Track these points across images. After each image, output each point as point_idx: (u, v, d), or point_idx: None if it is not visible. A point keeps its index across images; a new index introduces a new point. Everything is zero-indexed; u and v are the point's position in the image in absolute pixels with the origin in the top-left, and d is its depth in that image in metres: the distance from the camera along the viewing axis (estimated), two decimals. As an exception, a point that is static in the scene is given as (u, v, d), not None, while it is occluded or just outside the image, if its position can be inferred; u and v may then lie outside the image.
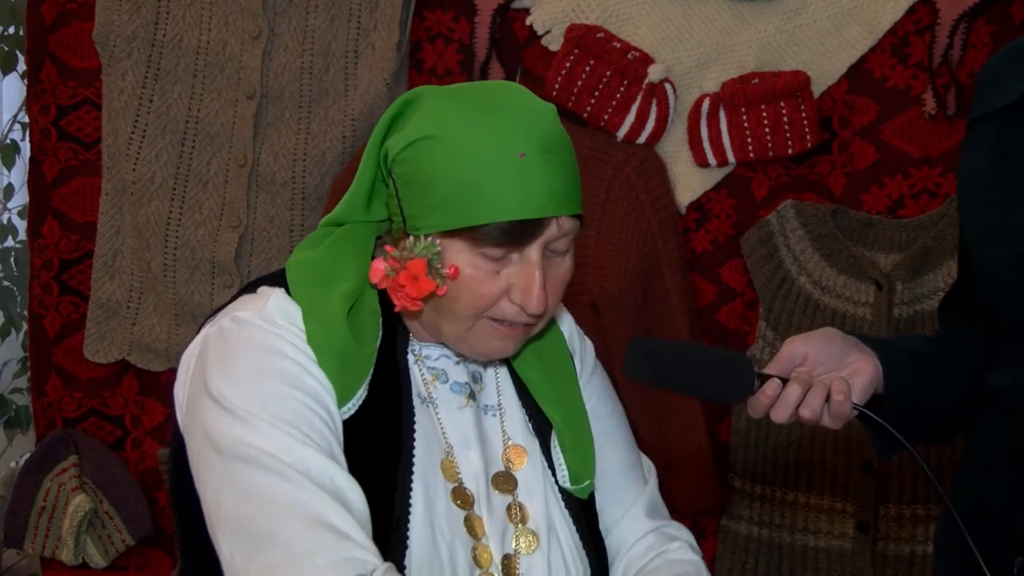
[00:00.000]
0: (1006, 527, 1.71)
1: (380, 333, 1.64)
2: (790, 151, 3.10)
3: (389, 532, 1.54)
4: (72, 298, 3.28)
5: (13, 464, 3.34)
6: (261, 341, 1.56)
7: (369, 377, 1.60)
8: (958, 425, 1.91)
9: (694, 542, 1.82)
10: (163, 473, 3.04)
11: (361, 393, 1.59)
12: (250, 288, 1.66)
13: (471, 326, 1.61)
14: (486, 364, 1.75)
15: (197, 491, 1.55)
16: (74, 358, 3.28)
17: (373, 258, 1.65)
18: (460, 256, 1.56)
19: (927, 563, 2.93)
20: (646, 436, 3.02)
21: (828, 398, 1.68)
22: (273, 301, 1.60)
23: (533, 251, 1.57)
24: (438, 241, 1.56)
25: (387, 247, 1.61)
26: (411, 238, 1.57)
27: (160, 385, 3.23)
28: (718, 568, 3.09)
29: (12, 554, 3.29)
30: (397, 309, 1.60)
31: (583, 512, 1.72)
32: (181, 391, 1.61)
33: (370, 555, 1.44)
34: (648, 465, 1.89)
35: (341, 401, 1.57)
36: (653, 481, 1.86)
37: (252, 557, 1.45)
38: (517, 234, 1.54)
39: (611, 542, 1.78)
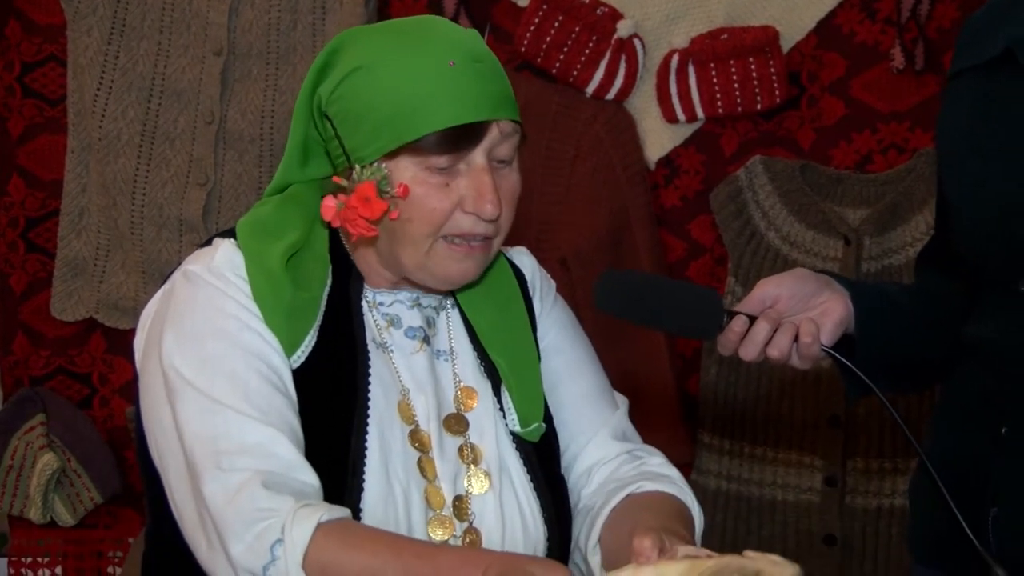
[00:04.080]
0: (981, 478, 1.72)
1: (329, 280, 1.67)
2: (759, 106, 3.12)
3: (345, 475, 1.58)
4: (38, 256, 3.30)
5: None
6: (205, 300, 1.60)
7: (317, 323, 1.63)
8: (930, 375, 1.92)
9: (671, 465, 1.80)
10: (131, 431, 3.04)
11: (310, 340, 1.62)
12: (208, 242, 1.69)
13: (429, 248, 1.62)
14: (439, 309, 1.76)
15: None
16: (41, 316, 3.29)
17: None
18: (407, 174, 1.58)
19: (894, 516, 2.96)
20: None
21: (797, 339, 1.69)
22: (221, 252, 1.63)
23: (478, 156, 1.60)
24: (384, 165, 1.58)
25: (335, 179, 1.63)
26: (357, 168, 1.59)
27: (128, 343, 3.16)
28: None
29: (-20, 512, 3.34)
30: (354, 239, 1.63)
31: (536, 455, 1.72)
32: (139, 349, 1.67)
33: (283, 503, 1.47)
34: (620, 397, 1.88)
35: (289, 350, 1.60)
36: (624, 409, 1.85)
37: (190, 536, 1.55)
38: (458, 140, 1.57)
39: (579, 466, 1.78)
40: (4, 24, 3.22)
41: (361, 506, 1.57)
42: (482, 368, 1.75)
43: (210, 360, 1.55)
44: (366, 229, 1.58)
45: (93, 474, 3.14)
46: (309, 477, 1.52)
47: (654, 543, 1.38)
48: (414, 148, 1.57)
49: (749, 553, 1.31)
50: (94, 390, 3.30)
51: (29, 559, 3.20)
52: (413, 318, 1.72)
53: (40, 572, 3.21)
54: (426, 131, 1.56)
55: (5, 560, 3.23)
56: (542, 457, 1.73)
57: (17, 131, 3.27)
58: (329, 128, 1.63)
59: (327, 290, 1.66)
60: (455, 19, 3.13)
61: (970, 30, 1.85)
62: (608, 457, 1.77)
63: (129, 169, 3.16)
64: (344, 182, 1.60)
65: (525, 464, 1.71)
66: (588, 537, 1.69)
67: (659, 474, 1.74)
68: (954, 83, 1.83)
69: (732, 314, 1.69)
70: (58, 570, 3.21)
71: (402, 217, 1.59)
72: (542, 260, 1.92)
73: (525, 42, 3.13)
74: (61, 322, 3.26)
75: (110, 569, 3.22)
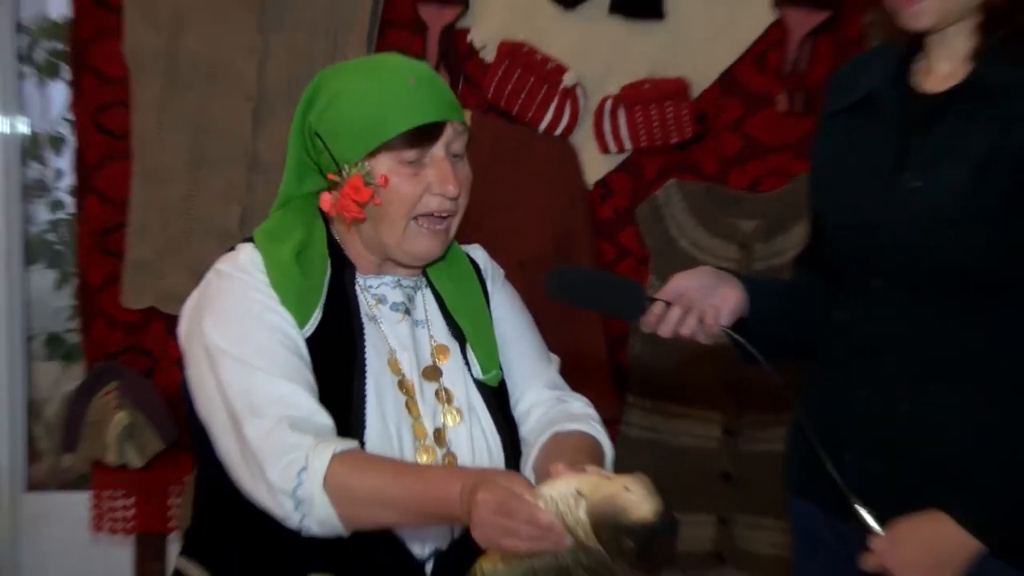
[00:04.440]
0: (840, 429, 1.78)
1: (329, 271, 1.72)
2: (674, 140, 3.14)
3: (350, 417, 1.63)
4: (111, 258, 3.22)
5: (68, 389, 3.30)
6: (234, 290, 1.66)
7: (321, 304, 1.68)
8: (803, 350, 1.93)
9: (591, 405, 1.85)
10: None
11: (316, 316, 1.67)
12: (232, 248, 1.75)
13: (405, 227, 1.68)
14: (415, 288, 1.80)
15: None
16: (114, 305, 3.23)
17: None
18: (384, 167, 1.65)
19: (777, 459, 2.83)
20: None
21: (702, 321, 1.74)
22: (244, 254, 1.70)
23: (439, 149, 1.67)
24: (366, 163, 1.65)
25: (329, 176, 1.69)
26: (346, 167, 1.66)
27: (183, 327, 3.18)
28: (615, 466, 3.11)
29: (68, 457, 3.15)
30: (348, 221, 1.69)
31: (495, 398, 1.78)
32: (182, 334, 1.71)
33: (306, 440, 1.53)
34: (555, 356, 1.91)
35: (301, 324, 1.65)
36: (556, 366, 1.89)
37: (236, 473, 1.59)
38: (423, 136, 1.64)
39: (519, 410, 1.82)
40: (81, 76, 3.18)
41: (364, 440, 1.62)
42: (451, 332, 1.79)
43: (242, 335, 1.61)
44: (357, 212, 1.65)
45: (157, 427, 3.07)
46: (325, 419, 1.58)
47: (566, 466, 1.44)
48: (388, 147, 1.63)
49: (629, 484, 1.36)
50: (156, 362, 3.24)
51: (108, 493, 3.14)
52: (396, 296, 1.76)
53: (117, 502, 3.14)
54: (396, 131, 1.62)
55: (90, 493, 3.16)
56: (499, 400, 1.78)
57: (92, 160, 3.21)
58: (319, 143, 1.67)
59: (327, 278, 1.70)
60: (436, 71, 3.16)
61: (835, 82, 1.90)
62: (540, 401, 1.81)
63: (181, 191, 3.14)
64: (337, 178, 1.66)
65: (487, 404, 1.75)
66: (525, 465, 1.75)
67: (579, 415, 1.79)
68: (825, 123, 1.89)
69: (652, 301, 1.73)
70: (131, 501, 3.14)
71: (384, 202, 1.65)
72: (504, 262, 1.95)
73: (491, 90, 3.15)
74: (130, 310, 3.20)
75: (169, 501, 3.15)
